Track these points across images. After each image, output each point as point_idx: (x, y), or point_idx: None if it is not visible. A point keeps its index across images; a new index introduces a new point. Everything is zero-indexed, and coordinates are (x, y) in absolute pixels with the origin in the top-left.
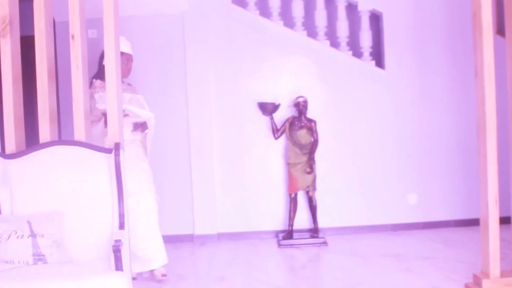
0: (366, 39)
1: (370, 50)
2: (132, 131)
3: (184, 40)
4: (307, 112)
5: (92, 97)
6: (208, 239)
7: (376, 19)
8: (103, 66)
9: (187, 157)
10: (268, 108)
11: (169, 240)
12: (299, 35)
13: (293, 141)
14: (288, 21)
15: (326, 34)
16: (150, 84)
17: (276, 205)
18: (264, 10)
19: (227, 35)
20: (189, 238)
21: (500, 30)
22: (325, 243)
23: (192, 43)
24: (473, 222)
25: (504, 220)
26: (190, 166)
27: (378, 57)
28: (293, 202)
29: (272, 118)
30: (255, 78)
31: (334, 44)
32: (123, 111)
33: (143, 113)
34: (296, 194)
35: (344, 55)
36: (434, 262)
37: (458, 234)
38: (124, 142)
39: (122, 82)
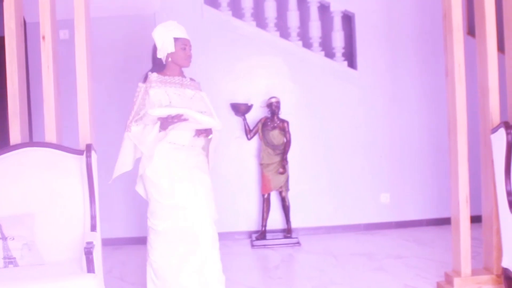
0: (338, 40)
1: (343, 50)
2: (194, 136)
3: None
4: (279, 112)
5: (146, 93)
6: None
7: (348, 19)
8: (159, 59)
9: None
10: (240, 109)
11: (142, 241)
12: (272, 35)
13: (265, 141)
14: (260, 21)
15: (299, 34)
16: (122, 84)
17: (249, 205)
18: (236, 11)
19: (200, 36)
20: None
21: (470, 30)
22: (298, 243)
23: None
24: (445, 221)
25: (475, 219)
26: None
27: (350, 57)
28: (266, 203)
29: (244, 119)
30: (227, 79)
31: (307, 44)
32: (182, 115)
33: (207, 121)
34: (269, 195)
35: (317, 55)
36: (407, 261)
37: (430, 233)
38: (183, 148)
39: (183, 76)
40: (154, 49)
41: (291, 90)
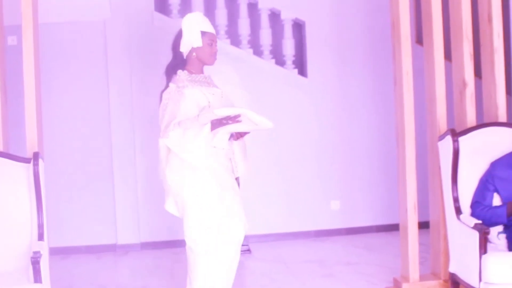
0: (289, 48)
1: (293, 58)
2: (229, 139)
3: (106, 48)
4: None
5: (181, 93)
6: (131, 248)
7: (299, 27)
8: (181, 53)
9: (109, 166)
10: None
11: (91, 250)
12: (223, 43)
13: None
14: None
15: (249, 42)
16: (71, 91)
17: None
18: None
19: (150, 43)
20: (112, 248)
21: (419, 39)
22: (248, 250)
23: (114, 51)
24: (394, 227)
25: (423, 225)
26: (113, 175)
27: (300, 65)
28: None
29: None
30: None
31: (257, 52)
32: (239, 116)
33: (264, 122)
34: None
35: (267, 63)
36: (356, 267)
37: (380, 239)
38: (222, 151)
39: (204, 73)
40: (177, 40)
41: (242, 98)
